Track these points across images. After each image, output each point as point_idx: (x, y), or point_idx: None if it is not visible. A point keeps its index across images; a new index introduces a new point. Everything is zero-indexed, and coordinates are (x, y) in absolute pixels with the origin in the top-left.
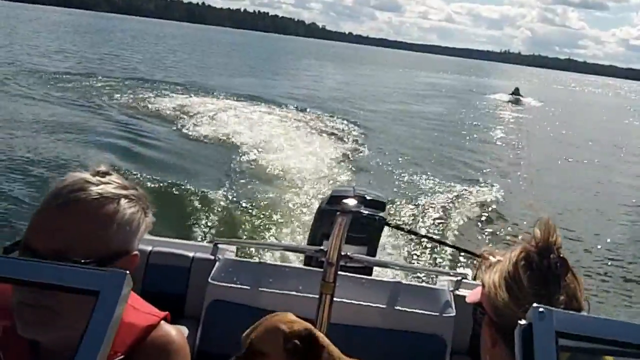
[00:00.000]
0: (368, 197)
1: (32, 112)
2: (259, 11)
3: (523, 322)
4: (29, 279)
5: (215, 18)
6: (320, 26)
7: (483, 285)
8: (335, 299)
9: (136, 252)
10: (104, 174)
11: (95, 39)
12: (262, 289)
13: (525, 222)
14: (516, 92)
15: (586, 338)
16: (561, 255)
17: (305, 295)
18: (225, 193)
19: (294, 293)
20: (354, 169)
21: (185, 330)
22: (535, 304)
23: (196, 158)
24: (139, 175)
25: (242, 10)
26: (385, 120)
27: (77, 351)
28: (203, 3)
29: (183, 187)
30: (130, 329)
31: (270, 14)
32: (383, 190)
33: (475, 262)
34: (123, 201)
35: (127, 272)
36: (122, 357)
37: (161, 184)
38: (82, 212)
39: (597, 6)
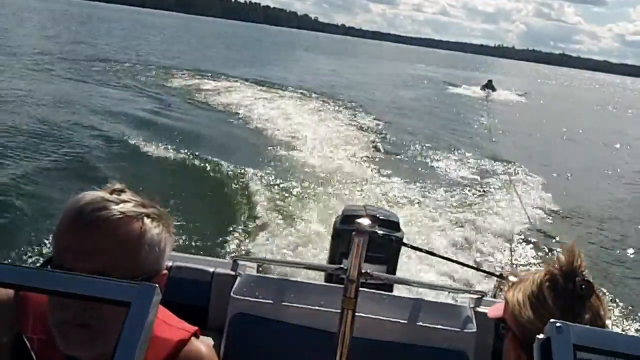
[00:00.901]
0: (381, 217)
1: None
2: (250, 1)
3: (541, 336)
4: (65, 290)
5: (205, 8)
6: (313, 18)
7: (506, 302)
8: (356, 314)
9: (165, 271)
10: (120, 191)
11: (117, 33)
12: (285, 304)
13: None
14: (489, 84)
15: (604, 352)
16: (586, 279)
17: (327, 309)
18: (243, 209)
19: (316, 307)
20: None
21: (210, 341)
22: (552, 320)
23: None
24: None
25: (233, 0)
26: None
27: (113, 356)
28: None
29: (199, 202)
30: (163, 344)
31: (262, 5)
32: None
33: (496, 281)
34: (147, 220)
35: (157, 285)
36: None
37: (174, 201)
38: (111, 232)
39: (594, 1)
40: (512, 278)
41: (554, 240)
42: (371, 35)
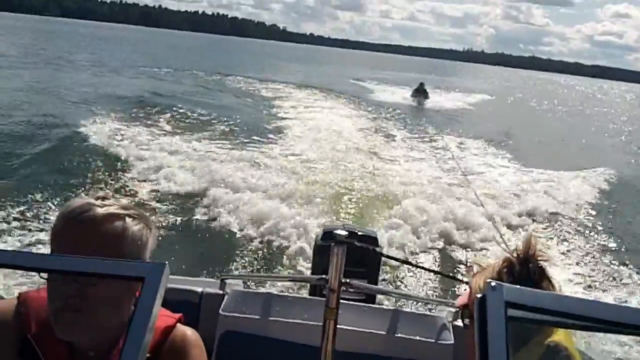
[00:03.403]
0: (359, 232)
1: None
2: (217, 13)
3: (479, 295)
4: (88, 270)
5: (172, 21)
6: (281, 27)
7: (470, 289)
8: (338, 326)
9: None
10: (104, 198)
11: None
12: (270, 319)
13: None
14: (420, 89)
15: (532, 309)
16: (539, 265)
17: (310, 323)
18: (226, 227)
19: (299, 321)
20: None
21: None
22: (489, 279)
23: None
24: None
25: (200, 12)
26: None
27: (129, 326)
28: (159, 6)
29: (186, 223)
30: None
31: (229, 16)
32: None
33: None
34: (128, 219)
35: (166, 262)
36: (148, 356)
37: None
38: (96, 229)
39: (562, 2)
40: (476, 268)
41: (515, 232)
42: (340, 44)
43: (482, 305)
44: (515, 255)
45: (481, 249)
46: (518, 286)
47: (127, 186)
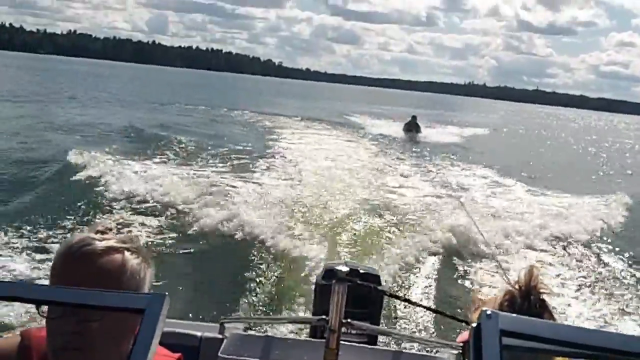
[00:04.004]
0: (361, 270)
1: None
2: (211, 48)
3: (474, 324)
4: (87, 302)
5: (165, 57)
6: (277, 63)
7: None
8: None
9: None
10: (103, 232)
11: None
12: None
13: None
14: (413, 121)
15: (528, 337)
16: (541, 298)
17: None
18: (225, 269)
19: None
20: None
21: None
22: (484, 308)
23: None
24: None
25: (194, 47)
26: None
27: (129, 357)
28: (153, 41)
29: (184, 263)
30: None
31: (223, 51)
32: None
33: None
34: (127, 253)
35: (166, 293)
36: None
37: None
38: (95, 262)
39: (564, 31)
40: (479, 301)
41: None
42: (337, 78)
43: (477, 334)
44: (516, 287)
45: (484, 281)
46: (514, 314)
47: (127, 221)
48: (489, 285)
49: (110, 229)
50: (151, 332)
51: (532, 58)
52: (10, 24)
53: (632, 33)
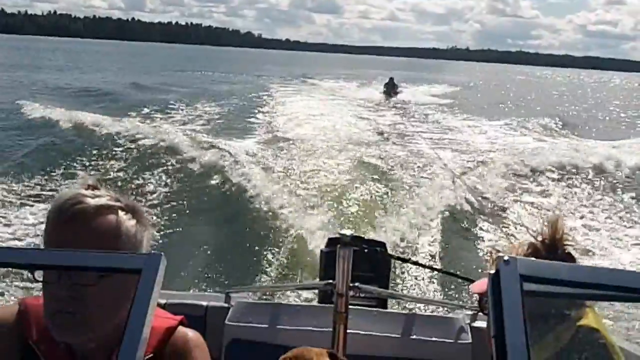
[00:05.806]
0: (366, 238)
1: None
2: (190, 23)
3: (492, 271)
4: (82, 264)
5: (145, 33)
6: (257, 34)
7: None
8: (349, 331)
9: None
10: (94, 187)
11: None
12: (278, 327)
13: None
14: (390, 83)
15: (549, 281)
16: (567, 251)
17: (319, 329)
18: (231, 239)
19: (309, 328)
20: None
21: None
22: (500, 254)
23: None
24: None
25: (173, 23)
26: None
27: (128, 317)
28: (133, 18)
29: (188, 235)
30: (154, 332)
31: (203, 25)
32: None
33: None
34: (121, 212)
35: (162, 253)
36: (150, 356)
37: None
38: (87, 224)
39: None
40: (499, 254)
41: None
42: (318, 47)
43: (495, 282)
44: (540, 240)
45: (496, 239)
46: (533, 259)
47: (123, 178)
48: (512, 236)
49: (99, 186)
50: (149, 292)
51: (517, 20)
52: None
53: None
